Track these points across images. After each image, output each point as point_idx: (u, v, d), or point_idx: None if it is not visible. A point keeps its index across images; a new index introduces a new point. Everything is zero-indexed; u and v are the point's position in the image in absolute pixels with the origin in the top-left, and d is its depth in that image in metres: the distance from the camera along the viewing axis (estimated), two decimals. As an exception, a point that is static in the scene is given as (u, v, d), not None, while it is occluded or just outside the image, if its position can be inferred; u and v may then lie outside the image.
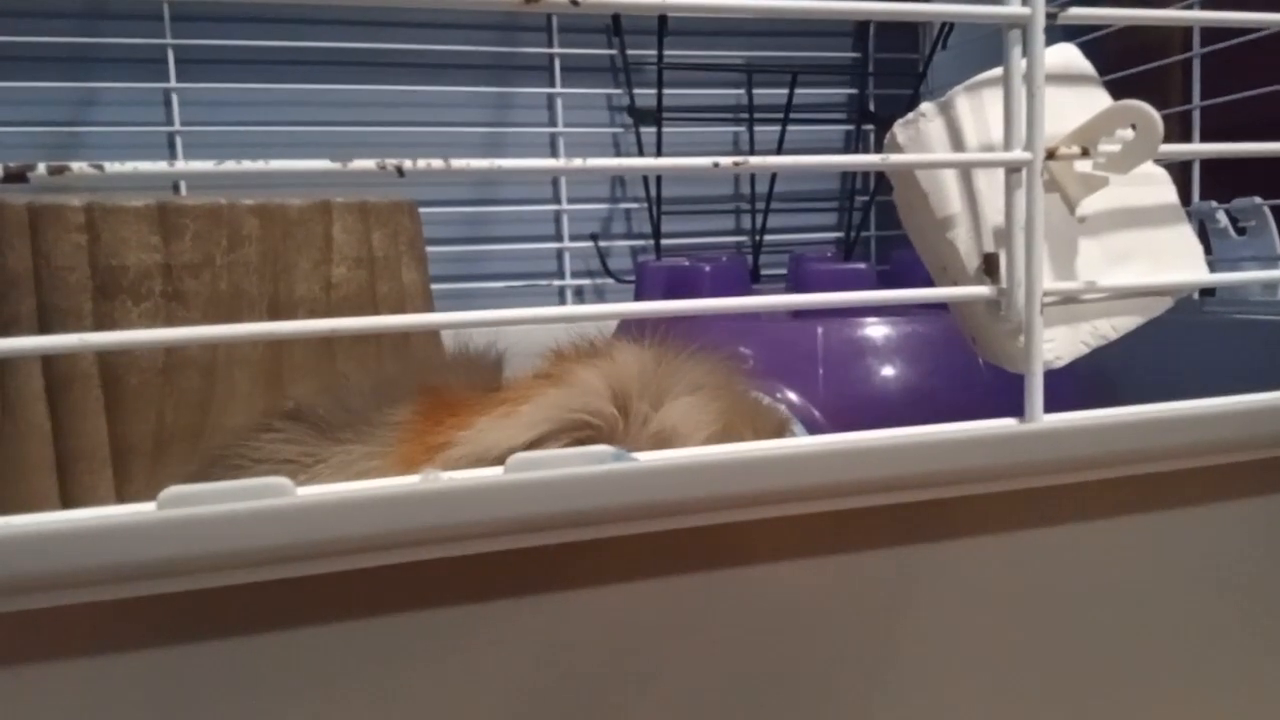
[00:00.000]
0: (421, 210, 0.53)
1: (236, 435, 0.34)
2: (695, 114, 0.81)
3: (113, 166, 0.18)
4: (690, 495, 0.21)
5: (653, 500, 0.21)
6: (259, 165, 0.19)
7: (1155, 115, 0.24)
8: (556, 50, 0.77)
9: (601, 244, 0.80)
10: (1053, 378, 0.26)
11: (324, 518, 0.19)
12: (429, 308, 0.54)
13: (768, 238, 0.81)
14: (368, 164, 0.19)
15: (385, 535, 0.19)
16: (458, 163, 0.20)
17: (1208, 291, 0.62)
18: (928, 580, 0.25)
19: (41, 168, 0.18)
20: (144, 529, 0.18)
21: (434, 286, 0.56)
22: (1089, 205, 0.26)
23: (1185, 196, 0.66)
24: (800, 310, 0.56)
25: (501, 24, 0.77)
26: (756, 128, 0.81)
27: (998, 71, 0.26)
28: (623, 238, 0.82)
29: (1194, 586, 0.27)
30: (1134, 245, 0.27)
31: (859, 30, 0.85)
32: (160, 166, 0.18)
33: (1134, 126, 0.24)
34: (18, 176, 0.17)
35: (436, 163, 0.20)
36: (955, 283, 0.27)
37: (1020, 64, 0.24)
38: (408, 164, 0.19)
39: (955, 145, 0.26)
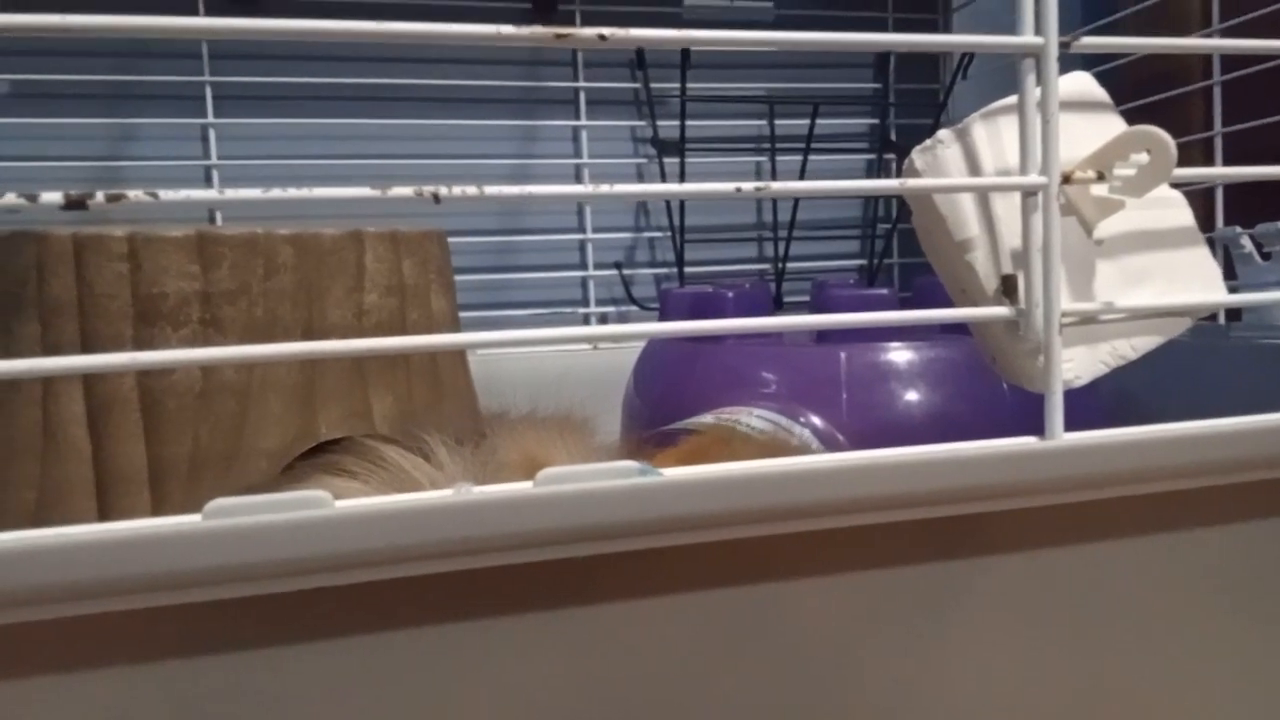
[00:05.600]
0: (450, 240, 0.54)
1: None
2: (718, 144, 0.82)
3: (167, 194, 0.19)
4: (715, 509, 0.21)
5: (679, 514, 0.21)
6: (303, 193, 0.20)
7: (1169, 140, 0.24)
8: (582, 84, 0.79)
9: (626, 272, 0.81)
10: (1078, 402, 0.26)
11: (362, 529, 0.20)
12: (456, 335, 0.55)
13: (791, 265, 0.81)
14: (405, 191, 0.20)
15: (421, 546, 0.20)
16: (491, 189, 0.21)
17: (1234, 316, 0.62)
18: (950, 597, 0.25)
19: (100, 195, 0.19)
20: (191, 539, 0.19)
21: (462, 314, 0.57)
22: (1106, 228, 0.26)
23: (1209, 222, 0.66)
24: (823, 336, 0.57)
25: (528, 59, 0.79)
26: (779, 157, 0.82)
27: (1013, 99, 0.27)
28: (647, 266, 0.83)
29: (1217, 605, 0.27)
30: (1151, 267, 0.27)
31: (880, 62, 0.86)
32: (210, 194, 0.19)
33: (1148, 151, 0.25)
34: (78, 204, 0.19)
35: (471, 189, 0.21)
36: (974, 304, 0.27)
37: (1035, 91, 0.25)
38: (443, 190, 0.20)
39: (972, 170, 0.27)
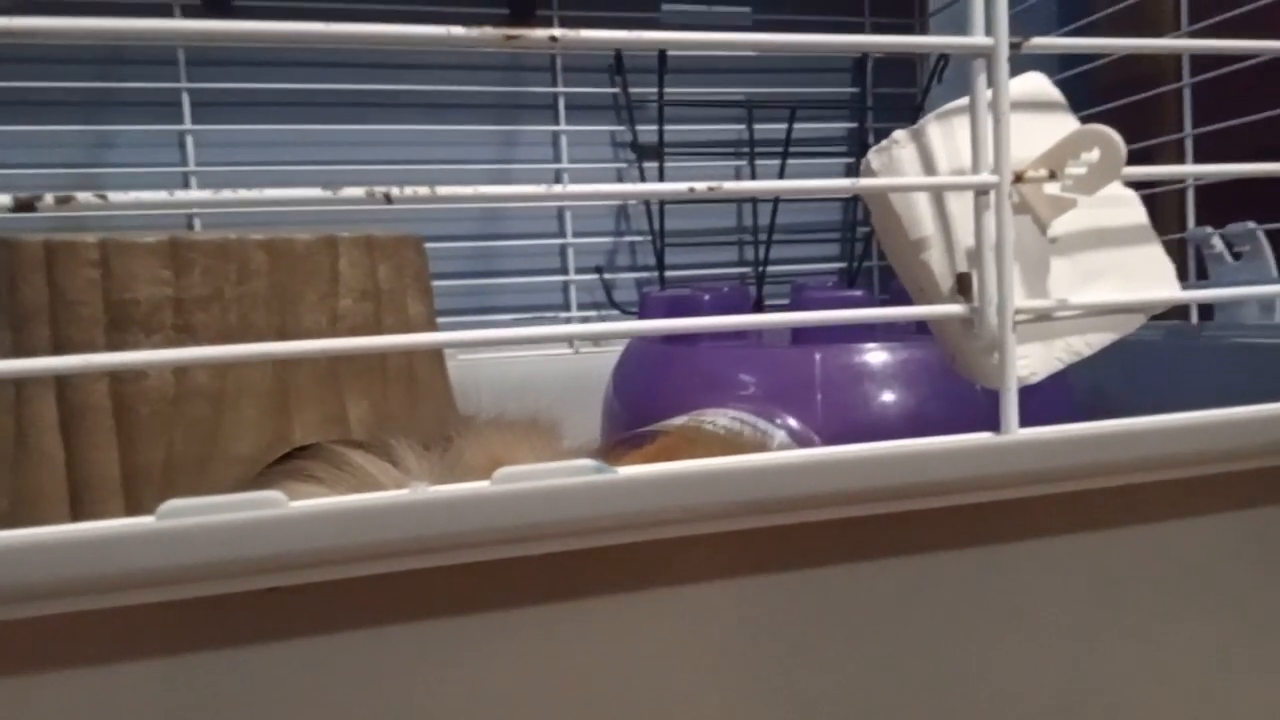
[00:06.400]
0: (428, 244, 0.54)
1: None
2: (697, 149, 0.82)
3: (116, 196, 0.19)
4: (667, 505, 0.21)
5: (633, 510, 0.21)
6: (253, 194, 0.20)
7: (1118, 139, 0.25)
8: (560, 89, 0.79)
9: (606, 276, 0.81)
10: (1050, 401, 0.27)
11: (314, 528, 0.20)
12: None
13: (772, 269, 0.82)
14: (357, 192, 0.21)
15: (374, 545, 0.20)
16: (443, 190, 0.21)
17: (1206, 316, 0.62)
18: (905, 594, 0.25)
19: (49, 198, 0.19)
20: (143, 539, 0.19)
21: (441, 320, 0.57)
22: (1059, 226, 0.27)
23: (1180, 222, 0.66)
24: (799, 338, 0.57)
25: (507, 65, 0.79)
26: (758, 161, 0.82)
27: (967, 100, 0.27)
28: (627, 270, 0.83)
29: (1178, 598, 0.28)
30: (1105, 264, 0.27)
31: (857, 66, 0.87)
32: (160, 196, 0.19)
33: (1099, 149, 0.25)
34: (26, 206, 0.19)
35: (423, 190, 0.21)
36: (931, 303, 0.27)
37: (986, 92, 0.25)
38: (395, 191, 0.21)
39: (927, 170, 0.27)
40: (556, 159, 0.80)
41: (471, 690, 0.23)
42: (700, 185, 0.22)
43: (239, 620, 0.21)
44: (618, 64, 0.78)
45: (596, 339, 0.77)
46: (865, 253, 0.86)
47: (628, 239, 0.83)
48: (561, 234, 0.80)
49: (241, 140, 0.72)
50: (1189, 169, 0.53)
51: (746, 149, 0.83)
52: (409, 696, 0.22)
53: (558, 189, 0.22)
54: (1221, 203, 0.65)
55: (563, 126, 0.79)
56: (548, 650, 0.23)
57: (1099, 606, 0.27)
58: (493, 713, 0.23)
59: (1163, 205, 0.69)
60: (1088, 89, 0.74)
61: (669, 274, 0.79)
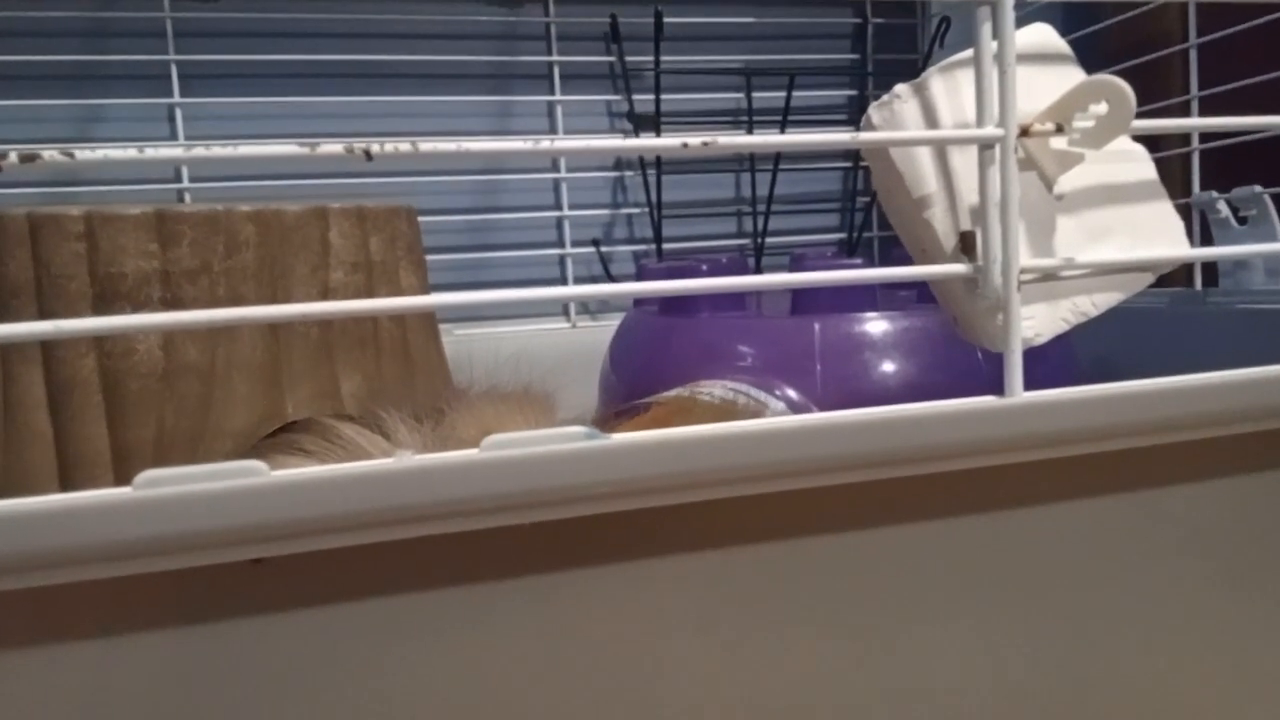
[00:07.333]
0: (423, 218, 0.53)
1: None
2: (695, 118, 0.81)
3: (83, 154, 0.18)
4: (659, 472, 0.21)
5: (624, 477, 0.21)
6: (227, 152, 0.19)
7: (1127, 89, 0.24)
8: (555, 58, 0.78)
9: (604, 249, 0.80)
10: (1056, 369, 0.26)
11: (295, 497, 0.19)
12: (428, 313, 0.54)
13: (770, 240, 0.81)
14: (336, 148, 0.20)
15: (358, 514, 0.20)
16: (425, 145, 0.20)
17: (1210, 282, 0.61)
18: (911, 562, 0.25)
19: (13, 156, 0.18)
20: (120, 509, 0.19)
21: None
22: (1066, 183, 0.26)
23: (1185, 186, 0.65)
24: (798, 308, 0.56)
25: (501, 34, 0.78)
26: (756, 131, 0.81)
27: (971, 52, 0.26)
28: (625, 243, 0.82)
29: (1176, 563, 0.27)
30: (1113, 222, 0.27)
31: (857, 31, 0.85)
32: (129, 153, 0.19)
33: (1107, 101, 0.24)
34: (-12, 164, 0.18)
35: (404, 146, 0.20)
36: (934, 263, 0.27)
37: (991, 43, 0.24)
38: (375, 147, 0.20)
39: (930, 125, 0.26)
40: (552, 130, 0.79)
41: (462, 661, 0.22)
42: (694, 140, 0.22)
43: (225, 593, 0.21)
44: (613, 31, 0.77)
45: (590, 304, 0.76)
46: (865, 223, 0.85)
47: (624, 211, 0.82)
48: (558, 207, 0.79)
49: (232, 113, 0.71)
50: (1197, 121, 0.52)
51: (745, 118, 0.81)
52: (397, 669, 0.22)
53: (544, 143, 0.21)
54: (1227, 168, 0.64)
55: (558, 96, 0.78)
56: (539, 621, 0.22)
57: (1104, 572, 0.27)
58: (483, 683, 0.22)
59: (1167, 170, 0.68)
60: (1092, 52, 0.72)
61: (666, 246, 0.78)
